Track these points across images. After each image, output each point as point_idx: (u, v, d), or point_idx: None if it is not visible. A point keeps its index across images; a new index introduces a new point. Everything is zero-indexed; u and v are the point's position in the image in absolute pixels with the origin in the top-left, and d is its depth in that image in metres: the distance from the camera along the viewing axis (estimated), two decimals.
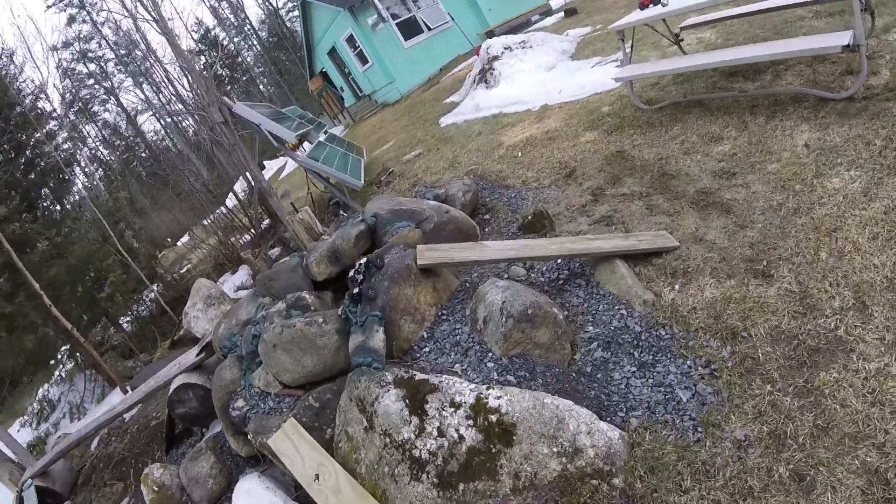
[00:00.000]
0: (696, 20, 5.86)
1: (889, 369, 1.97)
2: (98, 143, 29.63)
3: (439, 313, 2.91)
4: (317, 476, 2.61)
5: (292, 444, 2.77)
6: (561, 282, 3.09)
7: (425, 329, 2.80)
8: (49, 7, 29.31)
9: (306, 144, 9.09)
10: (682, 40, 5.92)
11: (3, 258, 6.34)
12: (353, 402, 2.45)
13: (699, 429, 2.06)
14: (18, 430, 7.03)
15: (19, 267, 5.96)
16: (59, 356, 8.49)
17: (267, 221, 9.60)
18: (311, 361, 3.01)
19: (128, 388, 6.39)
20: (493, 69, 8.23)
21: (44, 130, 10.69)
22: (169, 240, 17.44)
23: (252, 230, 9.58)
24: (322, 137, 8.76)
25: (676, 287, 2.77)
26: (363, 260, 2.94)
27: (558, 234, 3.77)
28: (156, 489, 3.61)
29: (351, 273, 2.94)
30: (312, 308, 3.45)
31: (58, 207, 9.49)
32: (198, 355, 4.11)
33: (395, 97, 14.22)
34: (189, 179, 9.76)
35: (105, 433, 5.38)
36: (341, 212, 5.66)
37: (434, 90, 12.08)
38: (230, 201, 11.55)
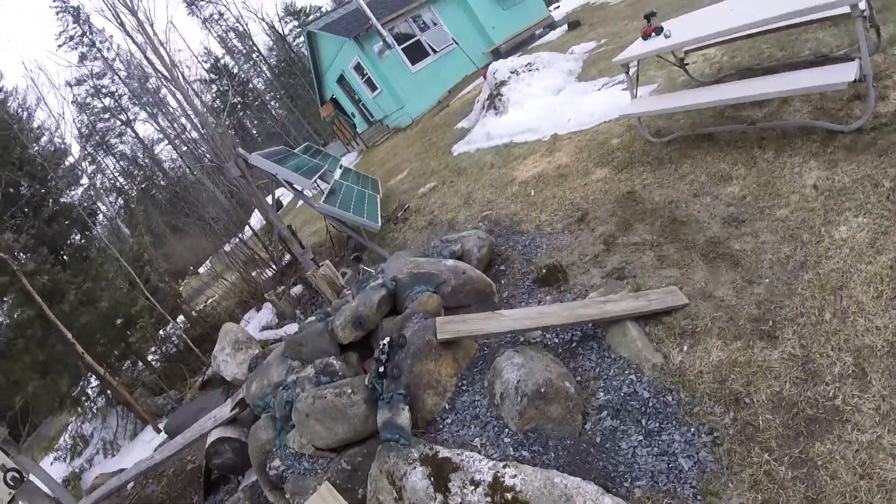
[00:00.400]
0: (698, 45, 6.07)
1: (881, 441, 2.17)
2: (117, 174, 31.02)
3: (459, 384, 3.21)
4: None
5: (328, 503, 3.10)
6: (574, 344, 3.34)
7: (447, 400, 3.10)
8: (59, 47, 31.02)
9: (321, 183, 9.53)
10: (687, 64, 6.14)
11: (35, 310, 6.85)
12: (384, 474, 2.75)
13: (699, 497, 2.30)
14: (52, 464, 7.47)
15: (52, 319, 6.45)
16: (91, 393, 8.97)
17: (288, 257, 10.06)
18: (343, 429, 3.34)
19: (160, 426, 6.80)
20: (502, 94, 8.54)
21: (61, 170, 11.35)
22: (192, 267, 18.16)
23: (273, 265, 10.01)
24: (338, 174, 9.20)
25: (684, 349, 3.00)
26: (386, 340, 3.26)
27: (572, 288, 4.03)
28: None
29: (376, 354, 3.27)
30: (340, 374, 3.78)
31: (84, 254, 10.04)
32: (232, 410, 4.49)
33: (406, 122, 14.67)
34: (211, 223, 10.32)
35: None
36: (361, 266, 6.00)
37: (444, 114, 12.46)
38: (249, 230, 12.05)
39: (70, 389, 7.68)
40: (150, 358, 9.39)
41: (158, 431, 6.43)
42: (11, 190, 9.07)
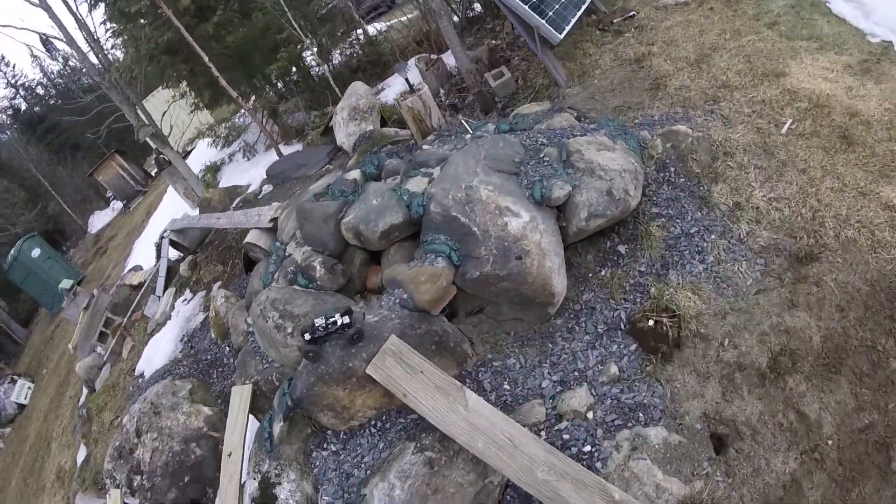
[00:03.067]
0: None
1: None
2: None
3: (375, 422, 2.51)
4: (230, 454, 2.99)
5: (237, 407, 3.14)
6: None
7: (346, 429, 2.55)
8: None
9: None
10: None
11: (175, 32, 6.36)
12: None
13: None
14: (207, 147, 8.73)
15: (189, 42, 6.11)
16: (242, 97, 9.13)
17: (478, 8, 8.31)
18: (274, 355, 3.03)
19: (282, 149, 7.15)
20: None
21: None
22: None
23: (456, 16, 8.41)
24: None
25: None
26: (343, 319, 2.53)
27: (665, 378, 2.44)
28: (214, 312, 4.49)
29: (320, 321, 2.57)
30: (318, 283, 3.17)
31: None
32: (269, 221, 4.37)
33: None
34: None
35: None
36: (459, 118, 4.36)
37: None
38: None
39: (211, 102, 7.77)
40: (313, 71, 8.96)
41: (279, 156, 6.84)
42: None
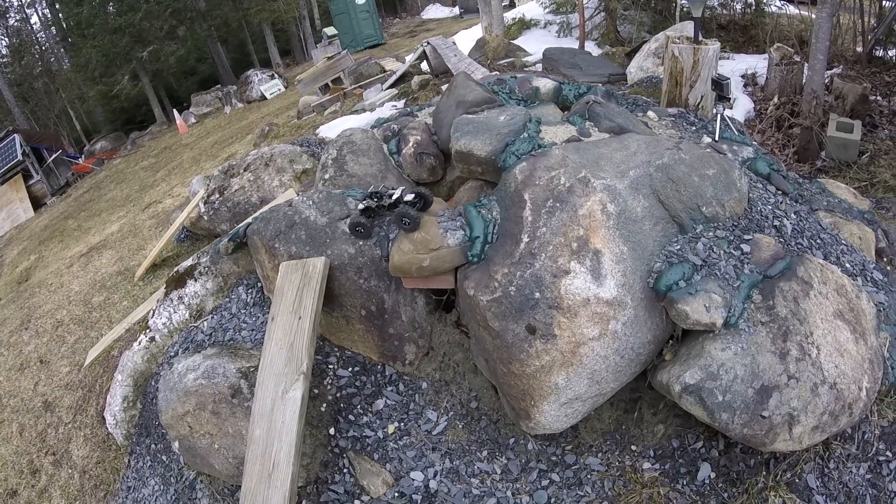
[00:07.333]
0: None
1: None
2: None
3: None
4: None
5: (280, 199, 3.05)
6: None
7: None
8: None
9: None
10: None
11: None
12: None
13: None
14: (537, 5, 7.60)
15: None
16: None
17: None
18: None
19: (589, 49, 6.22)
20: None
21: None
22: None
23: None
24: None
25: None
26: (410, 198, 2.02)
27: None
28: None
29: (398, 193, 2.08)
30: (398, 160, 2.61)
31: None
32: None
33: None
34: None
35: None
36: (719, 108, 2.51)
37: None
38: None
39: None
40: None
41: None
42: None
